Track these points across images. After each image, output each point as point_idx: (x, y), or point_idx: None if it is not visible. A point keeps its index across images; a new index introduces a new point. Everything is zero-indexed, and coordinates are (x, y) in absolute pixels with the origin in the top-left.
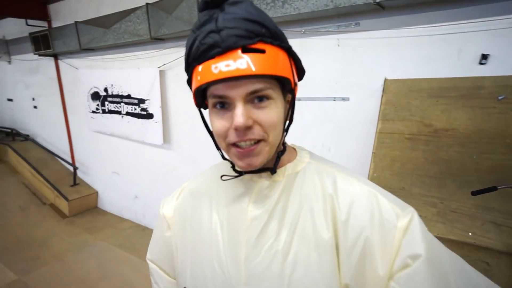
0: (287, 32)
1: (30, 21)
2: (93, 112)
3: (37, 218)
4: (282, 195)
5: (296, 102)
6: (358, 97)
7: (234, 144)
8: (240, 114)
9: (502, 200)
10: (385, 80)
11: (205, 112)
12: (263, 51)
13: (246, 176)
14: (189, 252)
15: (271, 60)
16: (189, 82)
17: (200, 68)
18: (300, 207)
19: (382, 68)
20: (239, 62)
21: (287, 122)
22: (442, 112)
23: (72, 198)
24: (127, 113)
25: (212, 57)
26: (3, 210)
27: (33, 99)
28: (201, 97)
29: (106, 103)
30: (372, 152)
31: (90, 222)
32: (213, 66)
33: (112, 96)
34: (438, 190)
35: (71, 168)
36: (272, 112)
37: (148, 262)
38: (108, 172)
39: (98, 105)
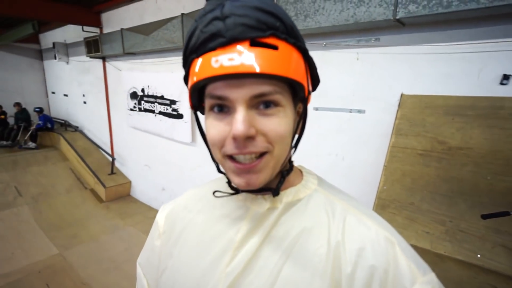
0: (309, 44)
1: (86, 28)
2: (131, 109)
3: (78, 201)
4: (275, 227)
5: (314, 111)
6: (374, 110)
7: (231, 157)
8: (240, 120)
9: None
10: (402, 95)
11: (202, 117)
12: (275, 47)
13: (241, 196)
14: (169, 270)
15: (284, 60)
16: (186, 79)
17: (198, 61)
18: (290, 252)
19: (399, 83)
20: (245, 57)
21: (296, 136)
22: (457, 130)
23: (109, 186)
24: (160, 112)
25: (213, 48)
26: (53, 191)
27: (84, 95)
28: (197, 98)
29: (142, 102)
30: (384, 165)
31: (122, 208)
32: (213, 59)
33: (148, 96)
34: (448, 208)
35: (110, 158)
36: (280, 121)
37: (137, 265)
38: (140, 164)
39: (135, 103)
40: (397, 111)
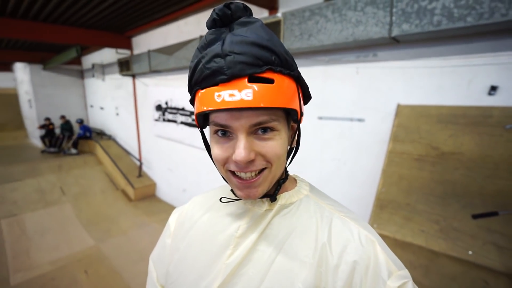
0: (312, 60)
1: (119, 50)
2: (156, 120)
3: (111, 200)
4: (269, 226)
5: (318, 120)
6: (373, 119)
7: (234, 173)
8: (241, 147)
9: (505, 224)
10: (398, 105)
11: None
12: (271, 81)
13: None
14: (175, 262)
15: (279, 91)
16: (192, 102)
17: (202, 92)
18: (282, 246)
19: (395, 94)
20: (244, 93)
21: (293, 150)
22: (449, 136)
23: (137, 187)
24: (181, 122)
25: (216, 84)
26: (90, 191)
27: (116, 108)
28: (203, 119)
29: (166, 113)
30: (382, 169)
31: (149, 207)
32: (216, 94)
33: (171, 108)
34: (442, 208)
35: (138, 163)
36: (276, 143)
37: (150, 260)
38: (164, 168)
39: (160, 114)
40: (394, 119)
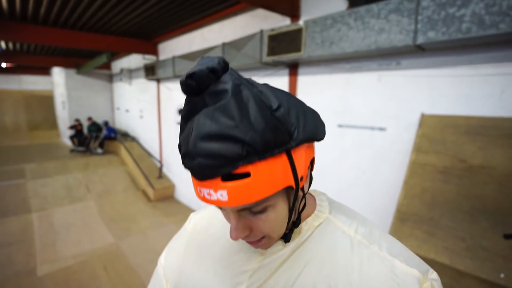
0: (334, 67)
1: (146, 56)
2: (178, 123)
3: (132, 199)
4: (286, 262)
5: (338, 128)
6: (395, 128)
7: None
8: (233, 229)
9: None
10: (422, 115)
11: None
12: (247, 175)
13: None
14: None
15: (259, 183)
16: None
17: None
18: (296, 280)
19: (419, 103)
20: (219, 194)
21: (307, 187)
22: (479, 149)
23: (157, 188)
24: None
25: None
26: (113, 189)
27: (141, 110)
28: None
29: None
30: (404, 181)
31: (167, 208)
32: (198, 188)
33: None
34: (469, 225)
35: (158, 164)
36: (271, 219)
37: (159, 263)
38: (183, 170)
39: None
40: (418, 129)
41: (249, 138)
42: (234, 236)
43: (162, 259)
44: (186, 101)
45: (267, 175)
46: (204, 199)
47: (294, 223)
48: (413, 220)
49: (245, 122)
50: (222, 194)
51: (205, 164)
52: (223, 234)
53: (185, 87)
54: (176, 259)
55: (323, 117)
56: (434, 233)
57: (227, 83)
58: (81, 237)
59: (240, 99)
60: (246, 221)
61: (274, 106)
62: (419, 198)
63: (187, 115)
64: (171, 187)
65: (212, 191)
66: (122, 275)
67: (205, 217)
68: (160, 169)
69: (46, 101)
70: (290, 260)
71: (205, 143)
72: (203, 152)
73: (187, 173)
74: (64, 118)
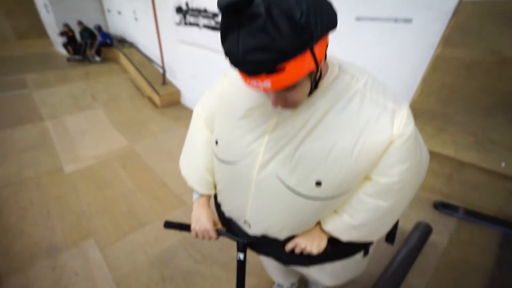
0: None
1: None
2: (177, 24)
3: (139, 106)
4: (311, 108)
5: (356, 22)
6: (422, 19)
7: None
8: (274, 100)
9: None
10: (460, 1)
11: None
12: (283, 69)
13: None
14: (224, 130)
15: (291, 74)
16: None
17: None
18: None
19: None
20: (265, 83)
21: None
22: None
23: (163, 94)
24: (204, 26)
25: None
26: (119, 97)
27: (134, 12)
28: None
29: (187, 16)
30: (422, 77)
31: (174, 113)
32: (247, 79)
33: (192, 10)
34: (483, 120)
35: (161, 70)
36: (298, 93)
37: (195, 110)
38: (187, 76)
39: (181, 18)
40: (450, 19)
41: (283, 47)
42: (275, 104)
43: (199, 108)
44: (223, 19)
45: (297, 68)
46: (252, 86)
47: (315, 83)
48: (425, 116)
49: (278, 37)
50: (266, 83)
51: (253, 68)
52: (248, 96)
53: (225, 9)
54: (212, 107)
55: (339, 8)
56: (445, 128)
57: (260, 6)
58: (97, 141)
59: (272, 18)
60: (283, 95)
61: (297, 16)
62: (435, 94)
63: (226, 29)
64: (177, 92)
65: (259, 82)
66: (140, 172)
67: (238, 79)
68: (164, 75)
69: (26, 3)
70: (303, 107)
71: (252, 54)
72: (251, 59)
73: (193, 79)
74: (51, 24)
